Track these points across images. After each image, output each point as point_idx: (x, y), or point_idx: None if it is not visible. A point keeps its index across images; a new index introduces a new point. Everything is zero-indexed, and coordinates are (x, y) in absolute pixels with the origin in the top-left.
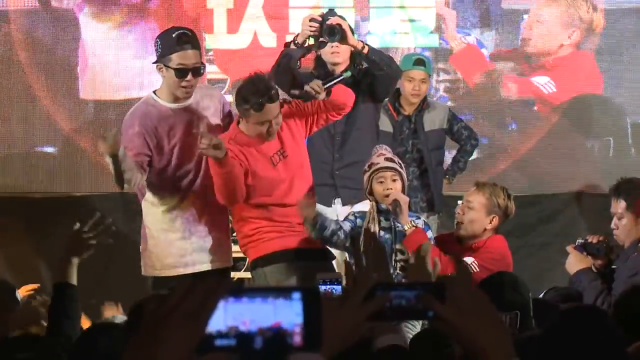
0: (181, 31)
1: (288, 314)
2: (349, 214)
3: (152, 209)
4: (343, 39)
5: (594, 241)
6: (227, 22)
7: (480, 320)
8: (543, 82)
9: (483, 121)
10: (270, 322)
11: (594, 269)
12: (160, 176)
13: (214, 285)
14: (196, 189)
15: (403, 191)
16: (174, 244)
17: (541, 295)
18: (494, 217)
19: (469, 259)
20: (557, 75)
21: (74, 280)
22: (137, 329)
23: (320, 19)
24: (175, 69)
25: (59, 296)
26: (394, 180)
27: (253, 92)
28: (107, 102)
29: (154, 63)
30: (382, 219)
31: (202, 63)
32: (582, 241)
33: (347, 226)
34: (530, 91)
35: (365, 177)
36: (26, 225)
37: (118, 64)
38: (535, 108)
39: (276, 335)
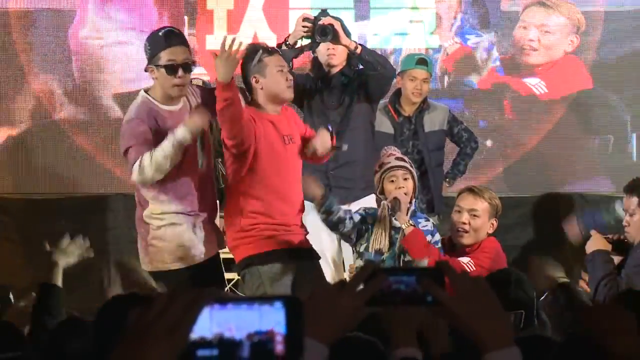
0: (168, 29)
1: (272, 321)
2: (359, 209)
3: (155, 209)
4: (335, 39)
5: (615, 238)
6: (228, 23)
7: (479, 306)
8: (534, 83)
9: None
10: (256, 329)
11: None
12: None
13: (195, 296)
14: (194, 190)
15: (414, 190)
16: (182, 237)
17: (541, 299)
18: (493, 221)
19: (465, 259)
20: (547, 77)
21: (59, 282)
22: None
23: (312, 18)
24: (165, 66)
25: (43, 295)
26: (406, 179)
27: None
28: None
29: (146, 68)
30: (393, 218)
31: (192, 60)
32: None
33: (357, 218)
34: (524, 92)
35: (377, 177)
36: (26, 225)
37: (123, 62)
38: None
39: (263, 342)
